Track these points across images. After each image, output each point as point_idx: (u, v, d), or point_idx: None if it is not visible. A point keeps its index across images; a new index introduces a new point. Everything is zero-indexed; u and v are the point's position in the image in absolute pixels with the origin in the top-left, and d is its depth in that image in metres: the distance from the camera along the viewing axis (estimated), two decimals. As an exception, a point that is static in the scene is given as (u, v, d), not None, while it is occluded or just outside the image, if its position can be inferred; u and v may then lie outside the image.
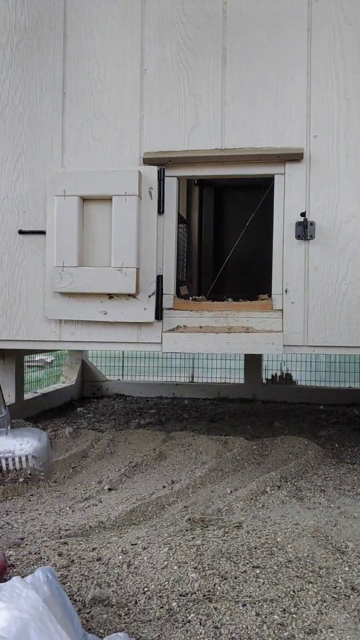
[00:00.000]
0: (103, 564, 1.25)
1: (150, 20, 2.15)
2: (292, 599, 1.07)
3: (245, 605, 1.05)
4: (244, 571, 1.16)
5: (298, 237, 2.08)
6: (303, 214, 2.06)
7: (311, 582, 1.12)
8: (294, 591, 1.09)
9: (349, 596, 1.09)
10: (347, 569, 1.19)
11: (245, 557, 1.21)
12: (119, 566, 1.22)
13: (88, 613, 1.06)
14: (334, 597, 1.09)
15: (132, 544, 1.34)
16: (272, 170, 2.10)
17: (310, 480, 1.88)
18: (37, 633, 0.77)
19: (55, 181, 2.06)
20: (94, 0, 2.17)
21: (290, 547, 1.25)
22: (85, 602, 1.09)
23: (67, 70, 2.17)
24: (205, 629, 0.99)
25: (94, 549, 1.32)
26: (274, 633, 0.98)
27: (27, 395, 3.15)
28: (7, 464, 1.13)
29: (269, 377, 3.86)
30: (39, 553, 1.31)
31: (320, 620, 1.02)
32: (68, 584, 1.16)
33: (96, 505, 1.69)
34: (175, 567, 1.18)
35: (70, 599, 1.11)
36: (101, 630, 1.00)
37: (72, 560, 1.27)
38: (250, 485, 1.78)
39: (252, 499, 1.70)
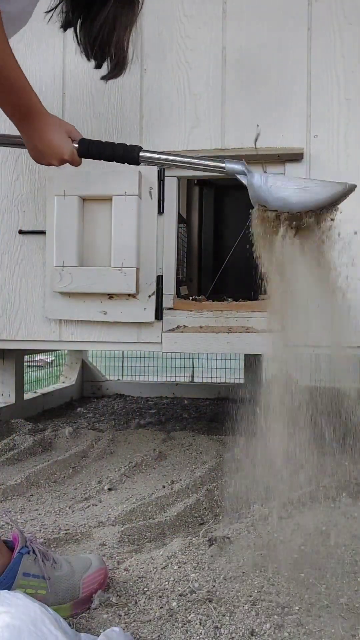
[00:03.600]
0: (103, 564, 1.26)
1: (150, 20, 2.15)
2: (292, 596, 1.07)
3: (245, 605, 1.05)
4: (244, 572, 1.16)
5: (298, 237, 2.08)
6: (303, 214, 2.06)
7: (311, 583, 1.12)
8: (294, 591, 1.09)
9: (351, 598, 1.09)
10: (348, 569, 1.19)
11: (246, 557, 1.21)
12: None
13: (88, 613, 1.06)
14: (334, 598, 1.09)
15: (132, 544, 1.34)
16: (272, 170, 2.10)
17: (310, 480, 1.88)
18: (31, 638, 0.77)
19: (55, 181, 2.06)
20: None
21: (291, 547, 1.25)
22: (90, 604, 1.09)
23: (67, 70, 2.17)
24: (205, 629, 0.99)
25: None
26: (274, 633, 0.98)
27: (27, 395, 3.15)
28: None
29: (269, 377, 3.86)
30: (38, 553, 1.31)
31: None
32: (68, 584, 1.15)
33: (96, 505, 1.69)
34: (175, 567, 1.18)
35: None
36: (101, 630, 1.00)
37: (72, 560, 1.27)
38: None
39: (252, 499, 1.69)
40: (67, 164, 1.33)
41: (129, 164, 1.31)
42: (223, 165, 1.30)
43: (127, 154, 1.29)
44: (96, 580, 1.10)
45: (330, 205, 1.21)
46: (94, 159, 1.31)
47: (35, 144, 1.25)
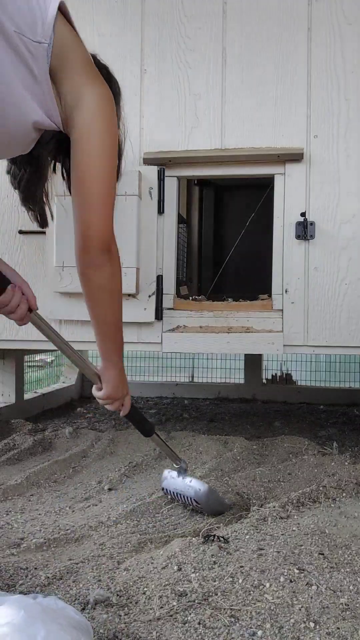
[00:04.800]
0: (104, 564, 1.26)
1: (150, 20, 2.15)
2: (292, 596, 1.07)
3: (245, 605, 1.05)
4: (244, 572, 1.16)
5: (298, 237, 2.08)
6: (303, 214, 2.06)
7: (311, 582, 1.12)
8: (294, 591, 1.09)
9: (351, 598, 1.09)
10: (348, 569, 1.19)
11: (246, 557, 1.21)
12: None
13: (89, 614, 1.06)
14: (334, 598, 1.09)
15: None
16: (272, 170, 2.11)
17: (310, 480, 1.88)
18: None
19: (56, 181, 2.05)
20: (94, 0, 2.17)
21: (291, 547, 1.25)
22: (87, 603, 1.09)
23: (67, 70, 2.17)
24: (204, 629, 0.99)
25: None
26: (274, 633, 0.98)
27: (27, 395, 3.15)
28: (182, 499, 1.59)
29: (269, 377, 3.86)
30: (39, 553, 1.31)
31: (322, 620, 1.02)
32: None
33: (96, 505, 1.69)
34: (175, 567, 1.18)
35: (73, 601, 1.11)
36: (101, 630, 1.00)
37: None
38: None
39: (252, 499, 1.69)
40: None
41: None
42: None
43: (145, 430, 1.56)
44: None
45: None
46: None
47: (123, 378, 1.41)
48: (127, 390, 1.44)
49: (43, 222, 1.37)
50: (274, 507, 1.56)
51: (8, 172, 1.29)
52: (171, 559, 1.22)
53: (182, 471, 1.58)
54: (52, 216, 1.40)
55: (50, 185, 1.35)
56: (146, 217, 2.08)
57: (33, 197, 1.31)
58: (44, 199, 1.33)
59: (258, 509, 1.55)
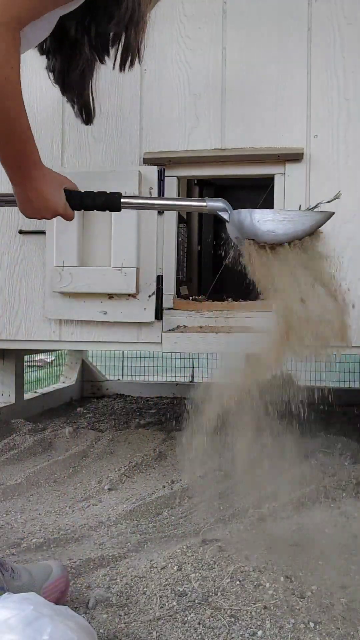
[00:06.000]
0: (104, 564, 1.26)
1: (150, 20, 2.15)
2: (292, 597, 1.07)
3: (245, 605, 1.05)
4: (244, 571, 1.16)
5: (298, 237, 2.07)
6: (303, 214, 2.06)
7: (311, 583, 1.12)
8: (293, 591, 1.09)
9: (352, 598, 1.09)
10: (353, 567, 1.19)
11: (245, 557, 1.21)
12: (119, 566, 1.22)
13: (88, 614, 1.06)
14: (334, 598, 1.09)
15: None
16: (272, 170, 2.10)
17: (310, 480, 1.88)
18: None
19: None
20: (94, 0, 2.17)
21: (291, 547, 1.25)
22: (87, 603, 1.09)
23: (67, 70, 2.17)
24: (204, 629, 0.99)
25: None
26: (274, 633, 0.98)
27: (27, 395, 3.15)
28: None
29: (269, 377, 3.85)
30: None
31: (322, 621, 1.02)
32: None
33: (96, 505, 1.69)
34: (175, 568, 1.18)
35: (73, 600, 1.11)
36: (101, 630, 1.00)
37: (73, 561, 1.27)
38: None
39: (252, 499, 1.69)
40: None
41: (110, 211, 1.29)
42: (205, 204, 1.35)
43: (110, 202, 1.27)
44: (57, 589, 1.07)
45: (314, 231, 1.35)
46: (82, 209, 1.27)
47: (30, 198, 1.15)
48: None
49: (87, 118, 1.28)
50: (274, 507, 1.56)
51: (46, 67, 1.28)
52: (171, 559, 1.22)
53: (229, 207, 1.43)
54: (94, 111, 1.32)
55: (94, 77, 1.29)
56: (146, 217, 2.08)
57: (71, 88, 1.25)
58: (87, 91, 1.28)
59: (258, 509, 1.55)
